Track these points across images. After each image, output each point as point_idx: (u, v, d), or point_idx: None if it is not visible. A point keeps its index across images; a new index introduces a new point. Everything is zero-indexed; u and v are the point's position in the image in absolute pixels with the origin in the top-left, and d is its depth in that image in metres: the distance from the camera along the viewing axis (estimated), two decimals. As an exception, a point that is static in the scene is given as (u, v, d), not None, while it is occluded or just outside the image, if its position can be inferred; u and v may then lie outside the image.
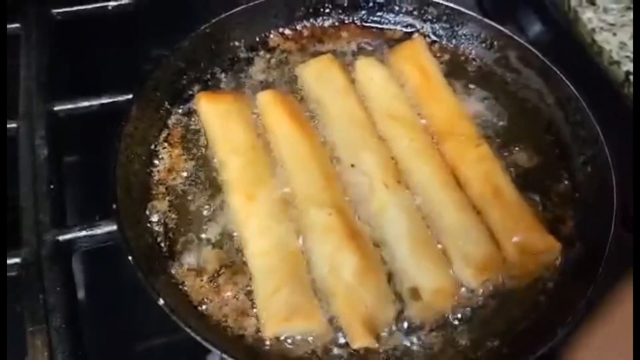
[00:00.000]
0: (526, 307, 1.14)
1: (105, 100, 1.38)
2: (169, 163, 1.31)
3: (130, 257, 1.08)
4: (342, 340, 1.09)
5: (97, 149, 1.31)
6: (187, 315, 1.06)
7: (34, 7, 1.55)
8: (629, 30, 1.52)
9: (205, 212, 1.24)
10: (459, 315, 1.13)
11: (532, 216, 1.23)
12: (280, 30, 1.55)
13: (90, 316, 1.24)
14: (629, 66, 1.44)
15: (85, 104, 1.38)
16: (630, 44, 1.48)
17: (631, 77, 1.42)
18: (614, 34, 1.54)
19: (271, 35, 1.54)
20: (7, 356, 1.04)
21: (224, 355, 0.99)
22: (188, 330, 1.00)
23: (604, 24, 1.56)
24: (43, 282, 1.11)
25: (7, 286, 1.11)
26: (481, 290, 1.15)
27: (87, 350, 1.11)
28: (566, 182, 1.31)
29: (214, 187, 1.28)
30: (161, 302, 1.03)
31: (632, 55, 1.45)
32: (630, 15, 1.56)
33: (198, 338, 0.99)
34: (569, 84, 1.36)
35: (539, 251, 1.19)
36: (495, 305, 1.14)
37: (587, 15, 1.59)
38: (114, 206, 1.14)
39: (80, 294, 1.28)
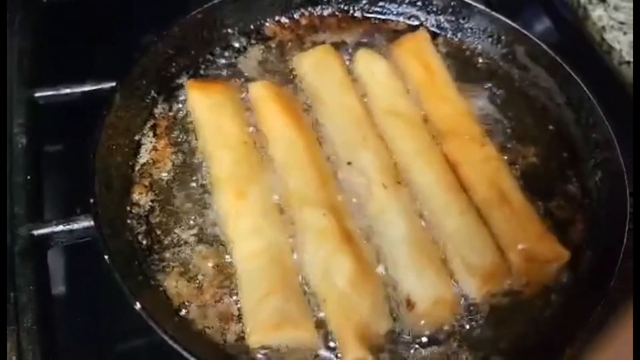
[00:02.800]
0: (532, 320, 1.09)
1: (88, 88, 1.33)
2: (153, 155, 1.25)
3: (106, 256, 1.02)
4: (333, 352, 1.03)
5: (78, 139, 1.27)
6: (167, 320, 1.01)
7: (20, -12, 1.49)
8: (641, 29, 1.47)
9: (190, 209, 1.19)
10: (460, 329, 1.07)
11: (540, 223, 1.17)
12: (277, 18, 1.49)
13: (67, 315, 1.21)
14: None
15: (68, 91, 1.33)
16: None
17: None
18: (625, 33, 1.51)
19: (267, 24, 1.48)
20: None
21: (205, 366, 0.94)
22: (166, 337, 0.94)
23: (614, 22, 1.54)
24: (15, 279, 1.06)
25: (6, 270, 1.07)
26: (484, 302, 1.09)
27: (61, 352, 1.07)
28: (575, 187, 1.26)
29: (202, 183, 1.22)
30: (138, 306, 0.97)
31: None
32: (642, 13, 1.51)
33: (176, 346, 0.94)
34: (581, 83, 1.31)
35: (546, 260, 1.13)
36: (499, 318, 1.09)
37: (597, 13, 1.57)
38: (92, 201, 1.08)
39: (59, 290, 1.24)
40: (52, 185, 1.30)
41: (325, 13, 1.51)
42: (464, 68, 1.43)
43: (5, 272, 1.06)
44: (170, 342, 0.94)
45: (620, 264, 1.05)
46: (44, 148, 1.31)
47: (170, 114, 1.31)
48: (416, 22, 1.51)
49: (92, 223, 1.09)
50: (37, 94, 1.32)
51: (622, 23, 1.53)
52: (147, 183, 1.21)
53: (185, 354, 0.93)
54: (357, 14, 1.52)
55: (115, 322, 1.22)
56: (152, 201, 1.19)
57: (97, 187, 1.10)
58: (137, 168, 1.23)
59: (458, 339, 1.06)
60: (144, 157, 1.24)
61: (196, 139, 1.27)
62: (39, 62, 1.39)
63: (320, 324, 1.05)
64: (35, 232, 1.12)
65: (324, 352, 1.03)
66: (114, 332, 1.23)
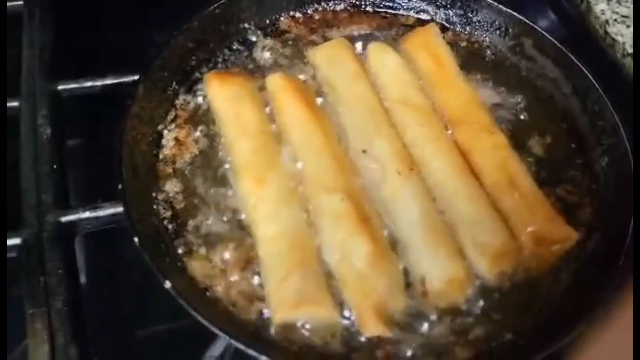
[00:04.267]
0: (542, 299, 1.12)
1: (109, 81, 1.36)
2: (176, 144, 1.28)
3: (135, 239, 1.05)
4: (353, 329, 1.06)
5: (100, 131, 1.30)
6: (194, 299, 1.03)
7: (38, -17, 1.51)
8: (644, 22, 1.50)
9: (213, 195, 1.21)
10: (472, 306, 1.10)
11: (549, 206, 1.20)
12: (291, 13, 1.52)
13: (93, 301, 1.22)
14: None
15: (90, 84, 1.36)
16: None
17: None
18: (628, 26, 1.53)
19: (282, 18, 1.51)
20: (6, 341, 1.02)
21: (232, 340, 0.97)
22: (194, 313, 0.97)
23: (617, 16, 1.56)
24: (44, 264, 1.08)
25: (6, 268, 1.09)
26: (496, 281, 1.12)
27: (89, 334, 1.08)
28: (583, 172, 1.28)
29: (222, 170, 1.25)
30: (167, 284, 1.00)
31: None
32: (645, 7, 1.54)
33: (204, 322, 0.97)
34: (586, 73, 1.34)
35: (555, 241, 1.16)
36: (510, 297, 1.11)
37: (600, 7, 1.59)
38: (120, 186, 1.11)
39: (83, 278, 1.25)
40: (75, 175, 1.32)
41: (338, 8, 1.54)
42: (473, 60, 1.46)
43: (6, 268, 1.09)
44: (199, 317, 0.97)
45: (627, 245, 1.08)
46: (66, 139, 1.34)
47: (191, 105, 1.34)
48: (426, 16, 1.53)
49: (117, 210, 1.12)
50: (60, 87, 1.35)
51: (624, 16, 1.56)
52: (170, 171, 1.23)
53: (214, 329, 0.96)
54: (369, 8, 1.55)
55: (139, 308, 1.25)
56: (176, 188, 1.21)
57: (125, 174, 1.13)
58: (161, 157, 1.25)
59: (471, 317, 1.09)
60: (167, 146, 1.27)
61: (216, 129, 1.30)
62: (60, 56, 1.42)
63: (339, 303, 1.08)
64: (63, 219, 1.14)
65: (343, 329, 1.06)
66: (140, 316, 1.26)
